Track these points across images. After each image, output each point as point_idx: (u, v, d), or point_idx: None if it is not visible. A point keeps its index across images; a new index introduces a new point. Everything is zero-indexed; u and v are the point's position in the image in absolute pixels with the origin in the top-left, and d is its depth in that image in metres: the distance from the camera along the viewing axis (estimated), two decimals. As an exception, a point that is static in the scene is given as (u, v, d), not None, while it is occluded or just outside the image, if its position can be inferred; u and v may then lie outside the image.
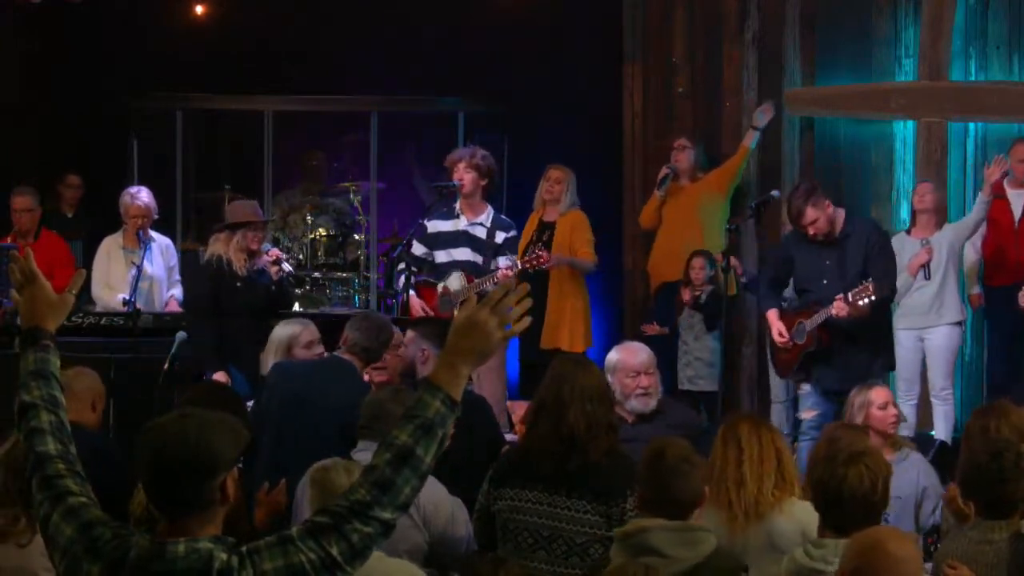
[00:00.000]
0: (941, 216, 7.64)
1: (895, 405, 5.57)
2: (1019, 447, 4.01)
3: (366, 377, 5.76)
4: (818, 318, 6.70)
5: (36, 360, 2.77)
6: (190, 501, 2.46)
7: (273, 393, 5.46)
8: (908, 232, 7.66)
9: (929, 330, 7.53)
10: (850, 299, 6.53)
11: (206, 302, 7.10)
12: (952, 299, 7.54)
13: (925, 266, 7.29)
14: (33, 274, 2.86)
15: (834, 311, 6.58)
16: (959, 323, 7.59)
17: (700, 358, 8.03)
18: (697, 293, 8.03)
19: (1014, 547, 3.83)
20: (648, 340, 8.16)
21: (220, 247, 7.21)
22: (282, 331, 5.99)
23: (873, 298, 6.53)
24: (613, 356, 5.47)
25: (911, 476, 5.31)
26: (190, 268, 8.67)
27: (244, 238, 7.18)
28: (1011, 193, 7.84)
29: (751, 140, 8.63)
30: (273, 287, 7.26)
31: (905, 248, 7.44)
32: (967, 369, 8.42)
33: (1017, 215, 7.82)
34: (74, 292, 2.93)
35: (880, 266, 6.73)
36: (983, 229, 7.85)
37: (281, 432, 5.29)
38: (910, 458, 5.40)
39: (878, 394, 5.58)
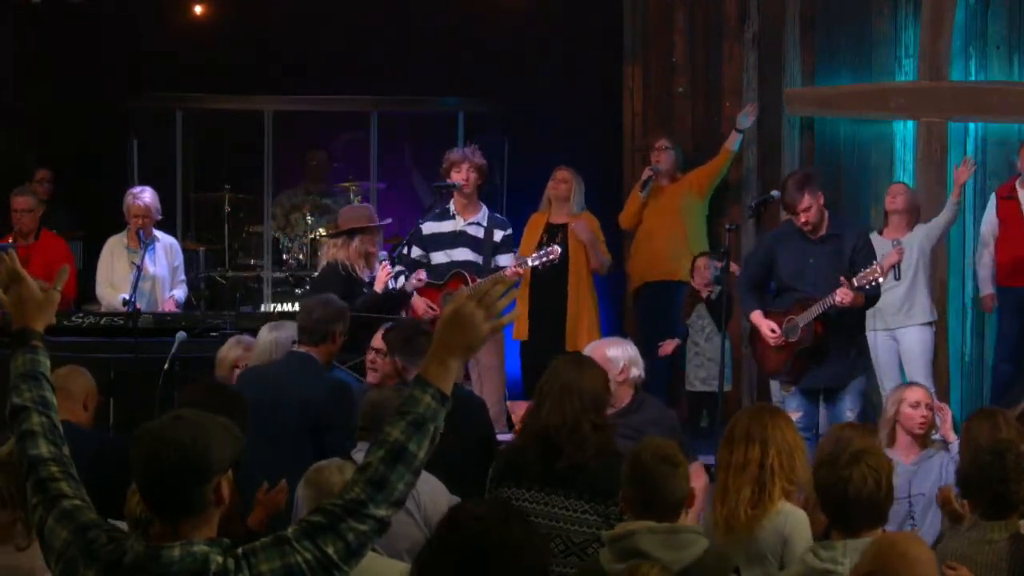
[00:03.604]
0: (913, 217, 7.65)
1: (929, 408, 5.53)
2: (1020, 447, 4.01)
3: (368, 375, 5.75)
4: (814, 311, 6.71)
5: (26, 362, 2.76)
6: (185, 504, 2.46)
7: None
8: (880, 232, 7.67)
9: (900, 331, 7.54)
10: (855, 284, 6.52)
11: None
12: (922, 300, 7.56)
13: (896, 266, 7.30)
14: (18, 274, 2.85)
15: (838, 298, 6.56)
16: (931, 323, 7.60)
17: (712, 359, 8.00)
18: (709, 291, 8.02)
19: (1013, 547, 3.83)
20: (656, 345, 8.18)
21: (340, 252, 7.22)
22: (278, 335, 5.93)
23: (881, 280, 6.56)
24: None
25: (934, 474, 5.28)
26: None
27: (362, 243, 7.20)
28: (1022, 194, 7.84)
29: (734, 142, 8.63)
30: (394, 291, 7.27)
31: (877, 248, 7.44)
32: (967, 369, 8.42)
33: None
34: (59, 288, 2.91)
35: (863, 267, 6.77)
36: (996, 231, 7.85)
37: (254, 436, 5.26)
38: (934, 457, 5.38)
39: (912, 393, 5.54)
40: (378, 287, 7.16)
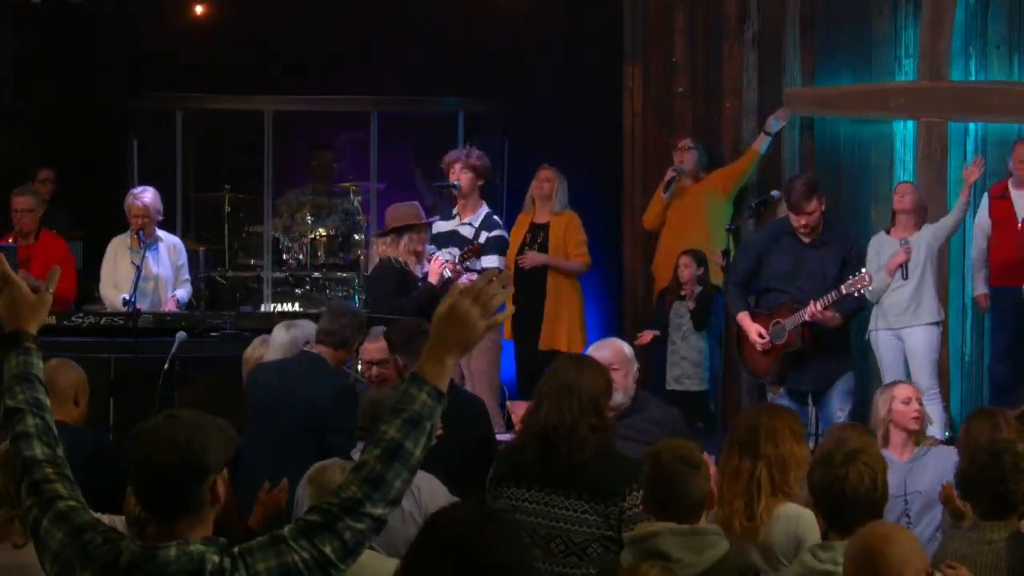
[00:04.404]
0: (921, 216, 7.64)
1: (919, 403, 5.54)
2: (1018, 447, 4.01)
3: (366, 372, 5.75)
4: (801, 316, 6.76)
5: (19, 364, 2.75)
6: (181, 503, 2.46)
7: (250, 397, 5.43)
8: (887, 232, 7.66)
9: (906, 330, 7.51)
10: (843, 291, 6.62)
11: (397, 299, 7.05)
12: (929, 299, 7.54)
13: (903, 266, 7.31)
14: (7, 276, 2.83)
15: (807, 314, 6.67)
16: (937, 323, 7.58)
17: (686, 357, 8.01)
18: (691, 290, 8.01)
19: (1013, 547, 3.83)
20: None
21: (390, 250, 7.22)
22: (295, 333, 5.93)
23: (871, 288, 6.68)
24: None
25: (929, 471, 5.25)
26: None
27: (410, 240, 7.20)
28: (1015, 194, 7.84)
29: (762, 144, 8.61)
30: (450, 281, 7.28)
31: (884, 248, 7.44)
32: (967, 369, 8.42)
33: (1021, 216, 7.81)
34: (51, 290, 2.90)
35: (852, 274, 6.86)
36: (988, 230, 7.85)
37: (257, 434, 5.27)
38: (930, 453, 5.38)
39: (901, 390, 5.54)
40: (432, 279, 7.18)
